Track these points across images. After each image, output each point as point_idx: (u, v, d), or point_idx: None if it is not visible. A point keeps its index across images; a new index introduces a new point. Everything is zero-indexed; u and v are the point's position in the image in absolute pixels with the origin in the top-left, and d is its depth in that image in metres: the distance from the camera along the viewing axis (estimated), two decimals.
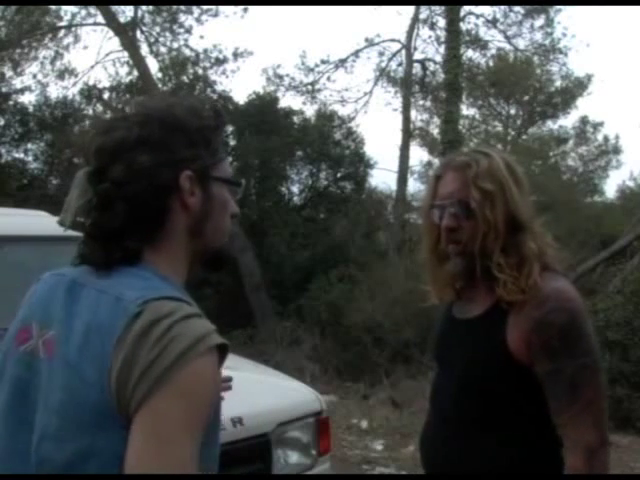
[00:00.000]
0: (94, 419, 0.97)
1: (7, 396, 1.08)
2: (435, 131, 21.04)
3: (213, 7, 15.58)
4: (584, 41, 39.29)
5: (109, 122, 1.14)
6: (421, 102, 20.11)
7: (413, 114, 18.85)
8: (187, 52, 15.95)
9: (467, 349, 1.64)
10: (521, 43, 17.98)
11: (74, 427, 0.98)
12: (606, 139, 25.73)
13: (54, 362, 1.03)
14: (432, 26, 16.89)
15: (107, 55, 15.54)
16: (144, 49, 15.54)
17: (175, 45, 15.96)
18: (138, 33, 15.47)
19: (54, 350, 1.04)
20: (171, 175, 1.09)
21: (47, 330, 1.06)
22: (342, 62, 17.51)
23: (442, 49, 15.74)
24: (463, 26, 15.96)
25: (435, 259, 1.73)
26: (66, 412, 0.99)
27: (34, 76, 15.64)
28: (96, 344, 0.99)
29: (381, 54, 17.98)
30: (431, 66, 17.78)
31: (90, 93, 15.24)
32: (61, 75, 15.97)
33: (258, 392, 3.01)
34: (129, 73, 15.56)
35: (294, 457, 2.90)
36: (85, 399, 0.97)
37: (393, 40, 17.71)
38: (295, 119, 16.21)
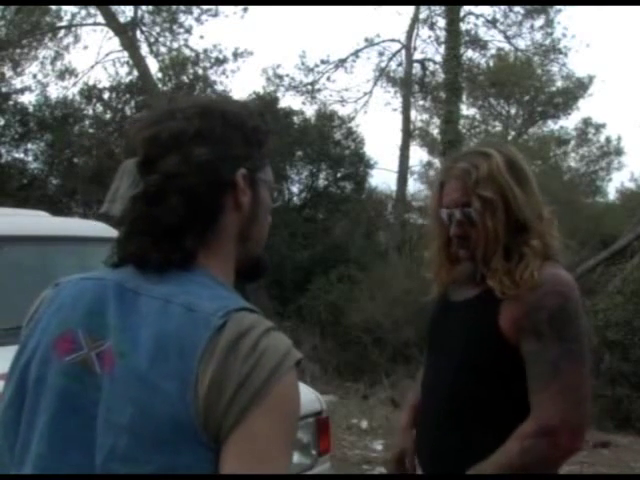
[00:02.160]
0: (172, 435, 0.90)
1: (51, 411, 0.97)
2: (435, 131, 21.05)
3: (213, 7, 15.64)
4: (584, 41, 39.49)
5: (161, 112, 1.08)
6: (421, 102, 20.12)
7: (413, 114, 18.92)
8: (187, 52, 16.01)
9: (461, 330, 1.65)
10: (521, 43, 18.04)
11: (149, 445, 0.91)
12: (608, 140, 25.73)
13: (117, 375, 0.94)
14: (432, 26, 16.94)
15: (107, 55, 15.60)
16: (144, 49, 15.60)
17: (175, 45, 16.03)
18: (138, 33, 15.52)
19: (115, 363, 0.95)
20: (228, 171, 1.03)
21: (101, 341, 0.97)
22: (342, 62, 17.55)
23: (442, 49, 15.79)
24: (463, 26, 16.02)
25: (445, 259, 1.74)
26: (139, 429, 0.91)
27: (34, 76, 15.70)
28: (173, 357, 0.92)
29: (381, 54, 18.04)
30: (431, 66, 17.84)
31: (90, 93, 15.24)
32: (61, 75, 16.00)
33: None
34: (129, 73, 15.57)
35: (294, 457, 2.89)
36: (161, 414, 0.90)
37: (393, 40, 17.78)
38: (295, 119, 16.23)
